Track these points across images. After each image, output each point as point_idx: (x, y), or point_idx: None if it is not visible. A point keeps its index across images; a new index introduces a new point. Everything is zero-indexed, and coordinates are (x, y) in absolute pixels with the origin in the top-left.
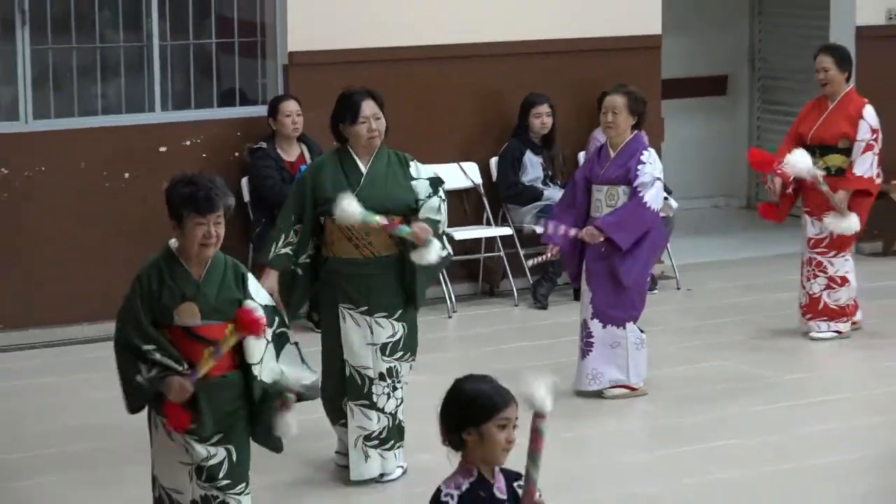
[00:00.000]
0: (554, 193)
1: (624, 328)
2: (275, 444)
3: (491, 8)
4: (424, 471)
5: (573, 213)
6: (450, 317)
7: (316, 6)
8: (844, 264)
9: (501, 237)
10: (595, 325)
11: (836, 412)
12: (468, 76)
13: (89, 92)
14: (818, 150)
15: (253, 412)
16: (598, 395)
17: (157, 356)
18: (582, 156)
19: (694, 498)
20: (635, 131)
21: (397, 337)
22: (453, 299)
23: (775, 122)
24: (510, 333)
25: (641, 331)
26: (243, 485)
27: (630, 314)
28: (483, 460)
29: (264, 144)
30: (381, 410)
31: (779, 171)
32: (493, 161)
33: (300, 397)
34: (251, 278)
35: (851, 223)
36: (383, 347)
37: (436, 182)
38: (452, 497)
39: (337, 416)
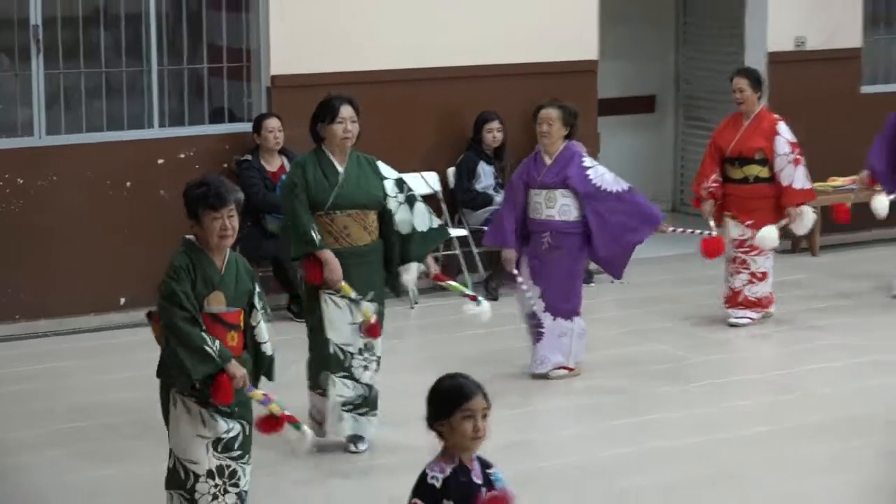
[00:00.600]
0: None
1: (572, 321)
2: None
3: (450, 36)
4: (388, 443)
5: (514, 214)
6: (412, 307)
7: (295, 35)
8: (765, 262)
9: (458, 237)
10: (546, 317)
11: (752, 389)
12: (429, 96)
13: (95, 110)
14: (738, 161)
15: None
16: (545, 376)
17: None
18: None
19: (631, 463)
20: (566, 141)
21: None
22: (416, 291)
23: (696, 136)
24: (465, 322)
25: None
26: (248, 455)
27: (576, 308)
28: (456, 448)
29: (249, 157)
30: (358, 381)
31: (704, 194)
32: (451, 171)
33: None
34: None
35: (808, 221)
36: (360, 325)
37: (401, 182)
38: (437, 479)
39: (315, 383)
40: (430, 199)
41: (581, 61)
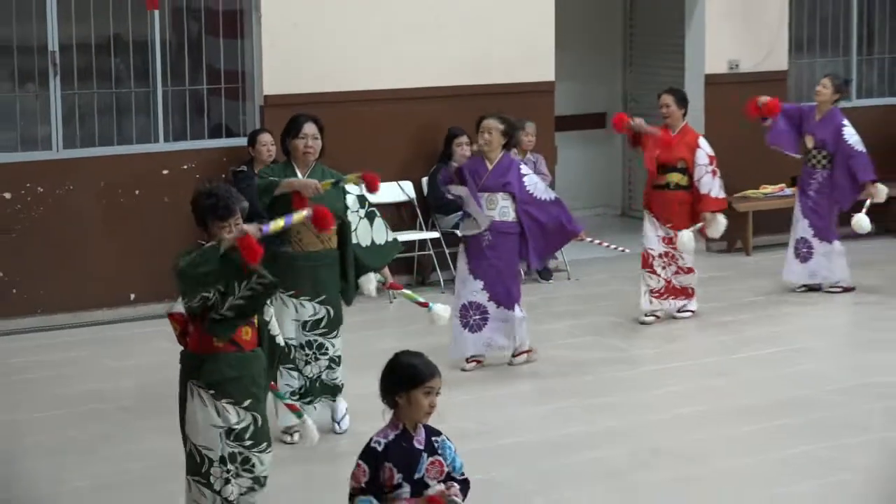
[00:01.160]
0: None
1: (513, 309)
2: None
3: (424, 61)
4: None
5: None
6: (391, 301)
7: (286, 61)
8: (689, 259)
9: (431, 239)
10: (491, 306)
11: (688, 374)
12: (405, 114)
13: (107, 127)
14: (661, 168)
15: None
16: (508, 363)
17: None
18: None
19: (584, 438)
20: (504, 151)
21: (319, 317)
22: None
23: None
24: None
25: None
26: (265, 444)
27: (517, 298)
28: (409, 418)
29: (245, 168)
30: (301, 373)
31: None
32: (425, 180)
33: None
34: None
35: (721, 226)
36: (304, 324)
37: (362, 198)
38: (380, 444)
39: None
40: (405, 205)
41: (540, 82)
